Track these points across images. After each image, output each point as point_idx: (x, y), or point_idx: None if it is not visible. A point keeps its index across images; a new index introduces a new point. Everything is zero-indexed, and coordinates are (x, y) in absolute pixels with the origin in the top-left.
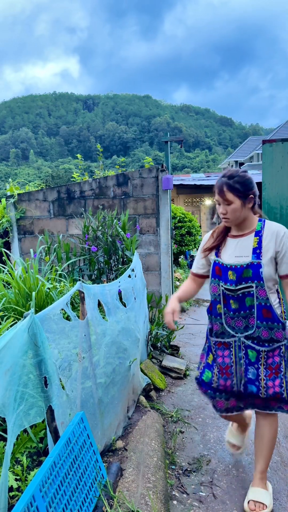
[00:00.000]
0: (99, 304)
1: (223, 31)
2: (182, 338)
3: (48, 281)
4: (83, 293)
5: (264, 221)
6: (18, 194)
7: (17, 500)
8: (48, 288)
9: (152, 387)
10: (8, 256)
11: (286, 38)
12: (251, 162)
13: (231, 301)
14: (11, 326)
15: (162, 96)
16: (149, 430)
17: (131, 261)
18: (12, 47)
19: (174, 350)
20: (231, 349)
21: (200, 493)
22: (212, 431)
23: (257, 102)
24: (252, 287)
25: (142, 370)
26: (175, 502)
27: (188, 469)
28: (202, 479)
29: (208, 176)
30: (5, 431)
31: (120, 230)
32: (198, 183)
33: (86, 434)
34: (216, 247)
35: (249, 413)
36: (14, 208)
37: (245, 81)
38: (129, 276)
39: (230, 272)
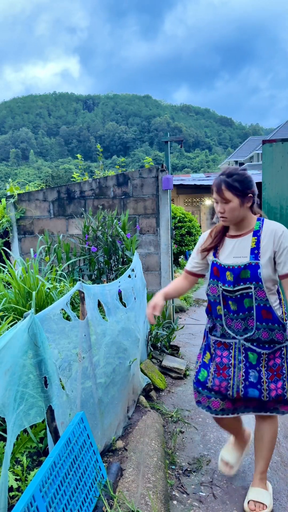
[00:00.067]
0: (99, 304)
1: (223, 31)
2: (182, 338)
3: (48, 281)
4: (83, 293)
5: (263, 220)
6: (18, 194)
7: (17, 500)
8: (48, 288)
9: (152, 387)
10: (8, 256)
11: (287, 38)
12: (251, 162)
13: (229, 302)
14: (11, 326)
15: (162, 96)
16: (149, 430)
17: (131, 261)
18: (12, 47)
19: (174, 350)
20: (231, 350)
21: (200, 493)
22: (212, 431)
23: (257, 102)
24: (251, 288)
25: (142, 370)
26: (175, 502)
27: (188, 469)
28: (202, 479)
29: (208, 176)
30: (5, 431)
31: (120, 230)
32: (198, 183)
33: (86, 434)
34: (214, 248)
35: (249, 431)
36: (14, 208)
37: (245, 81)
38: (129, 276)
39: (228, 273)
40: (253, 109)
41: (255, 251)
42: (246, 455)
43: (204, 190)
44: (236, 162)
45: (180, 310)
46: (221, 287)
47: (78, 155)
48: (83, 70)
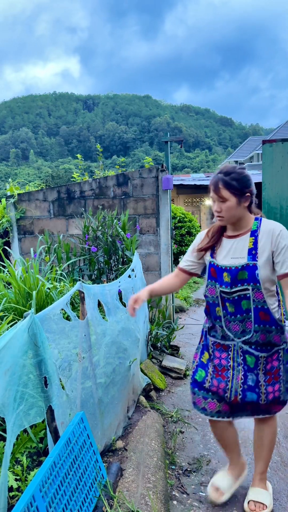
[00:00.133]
0: (99, 304)
1: (223, 31)
2: (182, 338)
3: (48, 281)
4: (83, 293)
5: (261, 219)
6: (18, 194)
7: (17, 500)
8: (48, 288)
9: (152, 387)
10: (8, 255)
11: (287, 38)
12: (251, 162)
13: (227, 304)
14: (11, 326)
15: (162, 96)
16: (149, 430)
17: (131, 261)
18: (12, 47)
19: (174, 350)
20: (230, 352)
21: (200, 493)
22: None
23: (257, 102)
24: (248, 289)
25: (142, 370)
26: (175, 502)
27: (188, 469)
28: (202, 479)
29: (208, 176)
30: (5, 431)
31: (120, 230)
32: (198, 183)
33: (86, 434)
34: (211, 247)
35: (245, 461)
36: (14, 208)
37: (246, 81)
38: (129, 276)
39: (225, 274)
40: (253, 109)
41: (252, 252)
42: (239, 484)
43: (204, 190)
44: (236, 162)
45: (180, 310)
46: (218, 288)
47: (78, 155)
48: (83, 70)
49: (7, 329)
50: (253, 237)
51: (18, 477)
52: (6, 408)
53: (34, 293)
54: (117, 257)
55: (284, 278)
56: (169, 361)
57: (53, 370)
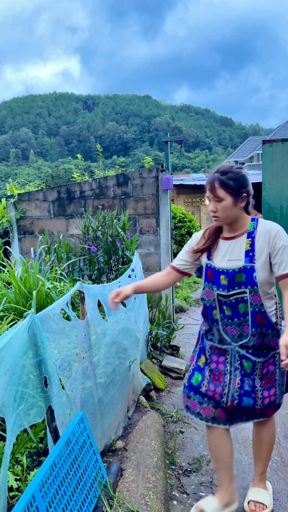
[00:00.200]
0: (99, 304)
1: (224, 31)
2: (182, 338)
3: (48, 281)
4: (83, 293)
5: (257, 220)
6: (18, 194)
7: (17, 500)
8: (48, 288)
9: (152, 387)
10: (8, 255)
11: (287, 38)
12: (251, 162)
13: (224, 307)
14: (11, 326)
15: (162, 96)
16: (149, 430)
17: (131, 261)
18: (12, 47)
19: (174, 350)
20: (227, 356)
21: (200, 493)
22: None
23: (257, 102)
24: (246, 292)
25: (142, 370)
26: (175, 502)
27: (188, 469)
28: (202, 479)
29: (208, 176)
30: (5, 431)
31: (120, 230)
32: (198, 183)
33: (86, 434)
34: (207, 249)
35: (235, 492)
36: (14, 208)
37: (246, 81)
38: (129, 276)
39: (222, 277)
40: (253, 109)
41: (250, 254)
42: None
43: (204, 190)
44: (236, 162)
45: (180, 310)
46: (216, 291)
47: (78, 155)
48: (84, 70)
49: (7, 329)
50: (250, 239)
51: (18, 477)
52: (6, 408)
53: (34, 293)
54: (117, 257)
55: (282, 280)
56: (169, 361)
57: (53, 370)
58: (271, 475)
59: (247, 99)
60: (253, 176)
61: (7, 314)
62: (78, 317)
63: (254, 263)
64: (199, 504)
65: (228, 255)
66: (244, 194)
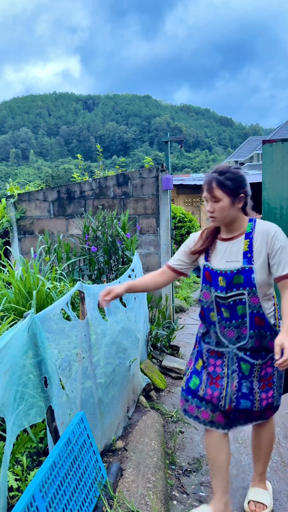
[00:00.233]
0: (99, 304)
1: (224, 31)
2: (182, 338)
3: (48, 281)
4: (83, 293)
5: (255, 221)
6: (18, 194)
7: (17, 500)
8: (48, 288)
9: (152, 387)
10: (8, 255)
11: (287, 38)
12: (251, 162)
13: (222, 309)
14: (11, 326)
15: (162, 96)
16: (149, 430)
17: (131, 261)
18: (13, 47)
19: (174, 350)
20: (224, 359)
21: (200, 493)
22: None
23: (257, 102)
24: (244, 294)
25: (142, 370)
26: (175, 502)
27: (188, 469)
28: (202, 479)
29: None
30: (5, 431)
31: (120, 230)
32: (198, 183)
33: (86, 434)
34: (205, 250)
35: (229, 504)
36: (14, 208)
37: (246, 81)
38: (129, 276)
39: (220, 278)
40: (253, 109)
41: (248, 255)
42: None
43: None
44: (236, 162)
45: (180, 310)
46: (213, 292)
47: (78, 155)
48: (84, 70)
49: (7, 329)
50: (248, 240)
51: (18, 477)
52: (6, 408)
53: (34, 293)
54: (117, 257)
55: (281, 281)
56: (169, 361)
57: (53, 370)
58: (271, 475)
59: (247, 99)
60: (253, 176)
61: (7, 314)
62: (78, 317)
63: (253, 264)
64: None
65: (226, 257)
66: (242, 195)
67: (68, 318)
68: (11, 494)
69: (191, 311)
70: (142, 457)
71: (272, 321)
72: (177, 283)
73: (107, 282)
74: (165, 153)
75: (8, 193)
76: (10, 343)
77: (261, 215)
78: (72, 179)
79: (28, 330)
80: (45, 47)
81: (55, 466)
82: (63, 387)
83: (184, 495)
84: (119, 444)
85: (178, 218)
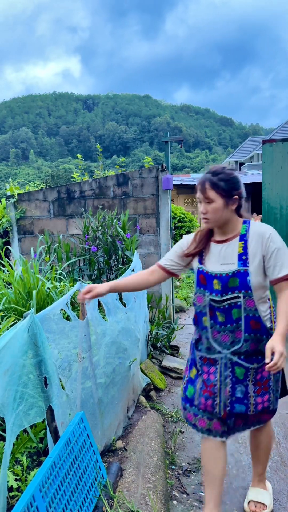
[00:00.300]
0: (99, 304)
1: (224, 30)
2: (182, 338)
3: (48, 281)
4: None
5: (249, 223)
6: (18, 194)
7: (17, 500)
8: (48, 288)
9: (152, 387)
10: (8, 255)
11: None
12: (251, 162)
13: (217, 313)
14: (11, 326)
15: (163, 96)
16: (149, 430)
17: (131, 261)
18: (13, 47)
19: (174, 350)
20: (217, 366)
21: (200, 493)
22: None
23: (257, 102)
24: (240, 297)
25: (142, 370)
26: (175, 502)
27: (188, 469)
28: (202, 479)
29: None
30: (5, 431)
31: (120, 230)
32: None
33: (86, 434)
34: (199, 253)
35: None
36: (14, 208)
37: (246, 81)
38: None
39: (215, 281)
40: (253, 109)
41: (243, 257)
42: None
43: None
44: (236, 162)
45: (180, 310)
46: (208, 296)
47: (78, 155)
48: (84, 70)
49: (7, 329)
50: (243, 242)
51: (18, 477)
52: (5, 408)
53: (34, 293)
54: (117, 257)
55: (277, 283)
56: (169, 361)
57: (53, 370)
58: (271, 475)
59: (247, 99)
60: (253, 176)
61: (7, 314)
62: (78, 317)
63: (248, 266)
64: None
65: (221, 259)
66: (236, 197)
67: (68, 318)
68: (11, 494)
69: (191, 311)
70: (142, 457)
71: (268, 324)
72: (177, 283)
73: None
74: (165, 153)
75: (8, 193)
76: (10, 343)
77: (261, 215)
78: (72, 179)
79: (28, 330)
80: (45, 47)
81: (55, 466)
82: (63, 387)
83: (184, 495)
84: (119, 444)
85: (178, 218)
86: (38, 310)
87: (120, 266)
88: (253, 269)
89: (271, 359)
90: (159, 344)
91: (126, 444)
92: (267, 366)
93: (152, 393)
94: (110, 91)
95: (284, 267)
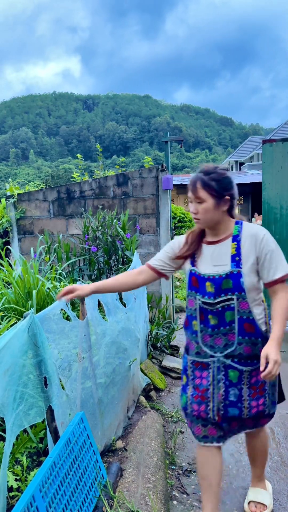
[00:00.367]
0: (99, 304)
1: (224, 30)
2: (182, 338)
3: (48, 281)
4: None
5: (242, 223)
6: (18, 194)
7: (17, 500)
8: (48, 288)
9: (152, 387)
10: (8, 255)
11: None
12: (251, 162)
13: (209, 316)
14: (11, 326)
15: (163, 96)
16: (149, 430)
17: (131, 261)
18: (13, 46)
19: (174, 350)
20: (210, 370)
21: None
22: None
23: (257, 102)
24: (233, 299)
25: (142, 370)
26: (175, 502)
27: (188, 469)
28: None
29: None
30: (5, 431)
31: (120, 230)
32: None
33: (86, 434)
34: (191, 255)
35: None
36: (14, 208)
37: (246, 80)
38: None
39: (208, 284)
40: (253, 109)
41: (236, 258)
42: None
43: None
44: (236, 162)
45: (180, 310)
46: (199, 299)
47: (78, 155)
48: (84, 69)
49: (7, 329)
50: (235, 243)
51: (18, 477)
52: (5, 408)
53: (34, 293)
54: (117, 257)
55: (272, 286)
56: (169, 361)
57: (53, 370)
58: (271, 475)
59: (247, 99)
60: (253, 176)
61: (7, 314)
62: (78, 317)
63: (241, 268)
64: None
65: (214, 261)
66: (227, 197)
67: (68, 318)
68: (11, 494)
69: None
70: (142, 457)
71: (263, 327)
72: (177, 283)
73: None
74: (165, 153)
75: (8, 193)
76: (10, 343)
77: (261, 215)
78: (72, 179)
79: (28, 330)
80: (46, 47)
81: (55, 466)
82: (63, 387)
83: (184, 495)
84: (119, 444)
85: (178, 218)
86: (38, 310)
87: (120, 266)
88: (247, 270)
89: (265, 367)
90: (159, 344)
91: (126, 444)
92: (262, 374)
93: (152, 393)
94: (110, 91)
95: (278, 270)
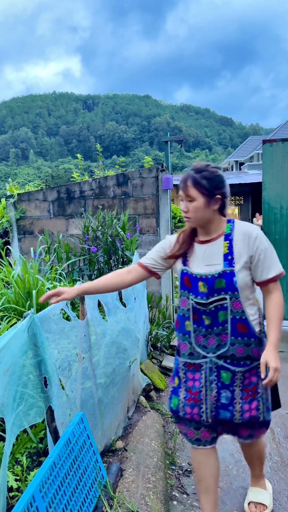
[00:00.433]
0: (99, 304)
1: (225, 30)
2: None
3: (48, 281)
4: None
5: (234, 222)
6: (18, 194)
7: (17, 500)
8: (48, 288)
9: (152, 387)
10: (8, 255)
11: None
12: (251, 162)
13: (203, 317)
14: (11, 326)
15: (162, 95)
16: (149, 431)
17: (131, 261)
18: (13, 46)
19: (174, 350)
20: (202, 371)
21: None
22: None
23: (257, 102)
24: (226, 299)
25: (142, 370)
26: (175, 502)
27: (188, 469)
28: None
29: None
30: (5, 431)
31: (120, 230)
32: None
33: (86, 434)
34: (183, 255)
35: None
36: (14, 208)
37: (246, 80)
38: None
39: (200, 283)
40: (253, 109)
41: (228, 257)
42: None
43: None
44: (236, 162)
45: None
46: (192, 299)
47: (78, 155)
48: (84, 69)
49: (7, 329)
50: (228, 241)
51: (18, 477)
52: (5, 408)
53: (34, 292)
54: (117, 257)
55: (265, 286)
56: (169, 361)
57: (53, 370)
58: (271, 475)
59: (247, 99)
60: (253, 176)
61: (7, 314)
62: (78, 317)
63: (234, 266)
64: None
65: (206, 260)
66: (218, 196)
67: (68, 318)
68: (11, 494)
69: None
70: (142, 457)
71: (257, 328)
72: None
73: None
74: (165, 153)
75: (8, 193)
76: (10, 343)
77: (261, 215)
78: (72, 179)
79: (28, 330)
80: (46, 46)
81: (55, 466)
82: (63, 388)
83: (184, 495)
84: (119, 444)
85: (178, 218)
86: (38, 310)
87: (120, 266)
88: (239, 269)
89: (266, 375)
90: (159, 344)
91: (126, 444)
92: (263, 382)
93: (152, 393)
94: (110, 91)
95: (272, 269)
